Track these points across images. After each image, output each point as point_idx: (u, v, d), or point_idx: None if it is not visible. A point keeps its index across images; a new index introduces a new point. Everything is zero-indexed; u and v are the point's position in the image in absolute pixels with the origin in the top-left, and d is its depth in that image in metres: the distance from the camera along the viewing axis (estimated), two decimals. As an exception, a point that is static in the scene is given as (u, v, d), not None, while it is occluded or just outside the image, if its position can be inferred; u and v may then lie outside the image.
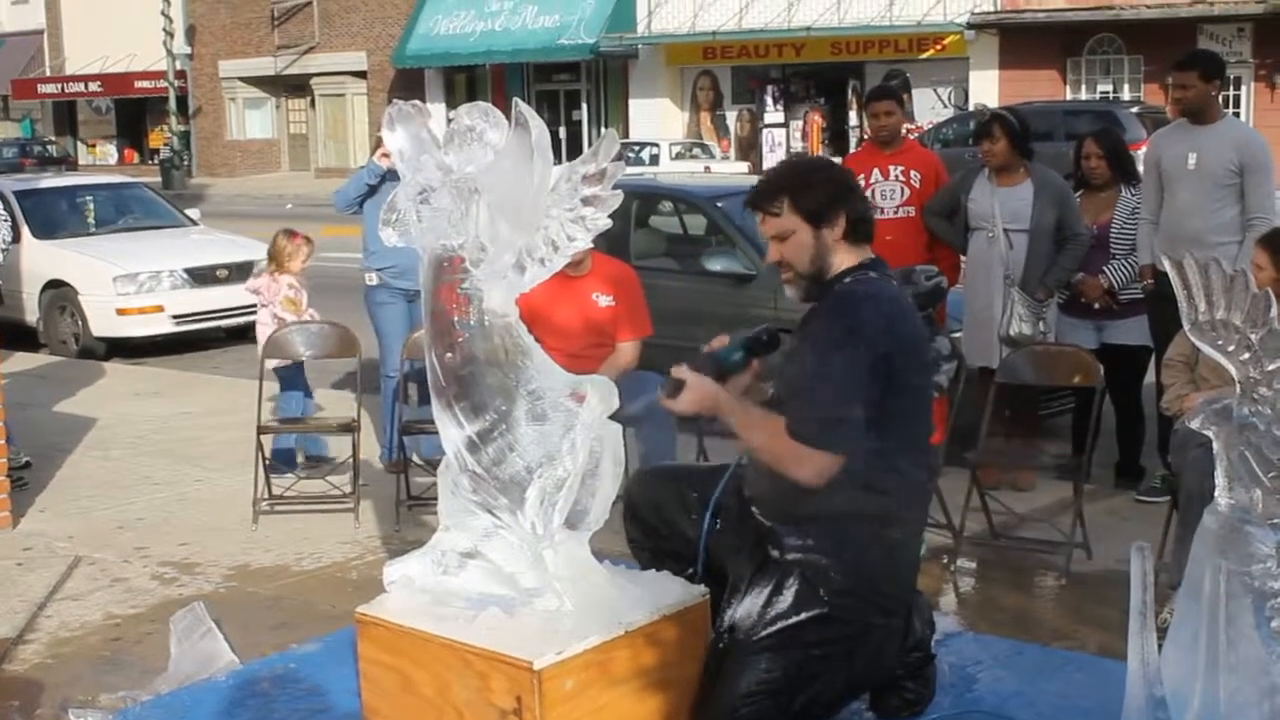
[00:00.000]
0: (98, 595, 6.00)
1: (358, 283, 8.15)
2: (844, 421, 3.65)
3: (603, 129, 32.96)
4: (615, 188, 3.73)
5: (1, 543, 6.72)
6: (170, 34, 41.24)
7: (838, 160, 6.76)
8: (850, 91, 33.06)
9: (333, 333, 7.49)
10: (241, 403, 9.03)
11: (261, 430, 7.23)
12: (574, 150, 31.71)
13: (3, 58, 49.95)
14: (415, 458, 7.25)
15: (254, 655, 4.99)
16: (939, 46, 31.17)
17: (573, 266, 6.17)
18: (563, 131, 35.49)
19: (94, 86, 47.47)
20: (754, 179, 5.10)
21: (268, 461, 7.27)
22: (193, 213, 15.73)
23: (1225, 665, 3.33)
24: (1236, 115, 24.49)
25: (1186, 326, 3.45)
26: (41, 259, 13.28)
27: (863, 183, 7.54)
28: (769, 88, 34.54)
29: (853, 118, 32.84)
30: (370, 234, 7.64)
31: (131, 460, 8.36)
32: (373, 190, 7.66)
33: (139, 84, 45.45)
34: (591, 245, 3.92)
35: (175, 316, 13.00)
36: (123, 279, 12.85)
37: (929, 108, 31.54)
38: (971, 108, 28.16)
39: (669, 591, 3.98)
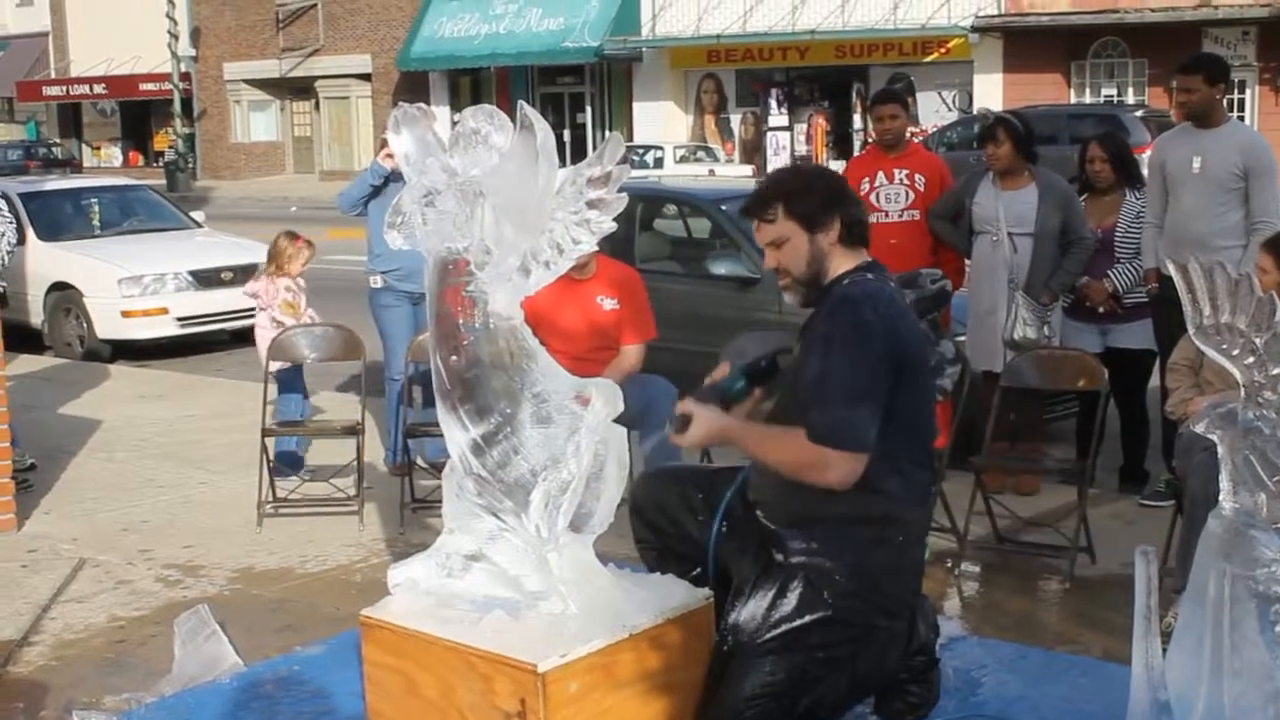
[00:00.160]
0: (102, 597, 6.00)
1: (362, 285, 8.16)
2: (862, 419, 3.67)
3: (607, 132, 32.97)
4: (620, 191, 3.74)
5: (6, 545, 6.73)
6: (175, 36, 41.28)
7: (841, 163, 6.77)
8: (854, 95, 33.06)
9: (337, 335, 7.50)
10: (245, 405, 9.05)
11: (266, 433, 7.24)
12: (578, 153, 31.75)
13: (8, 60, 50.04)
14: (420, 460, 7.25)
15: (258, 658, 5.00)
16: (943, 50, 31.16)
17: (577, 270, 6.17)
18: (567, 134, 35.51)
19: (99, 89, 47.53)
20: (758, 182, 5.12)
21: (272, 464, 7.27)
22: (197, 215, 15.75)
23: (1230, 670, 3.32)
24: (1241, 119, 24.52)
25: (1191, 330, 3.45)
26: (46, 261, 13.30)
27: (867, 186, 7.56)
28: (773, 91, 34.53)
29: (857, 121, 32.83)
30: (375, 237, 7.64)
31: (136, 462, 8.37)
32: (377, 191, 7.66)
33: (144, 86, 45.50)
34: (596, 248, 3.92)
35: (180, 319, 13.01)
36: (127, 281, 12.86)
37: (933, 111, 31.54)
38: (976, 111, 28.13)
39: (673, 594, 3.98)
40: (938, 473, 6.19)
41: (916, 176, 7.57)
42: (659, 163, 28.73)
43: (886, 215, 7.53)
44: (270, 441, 7.33)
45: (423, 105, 3.87)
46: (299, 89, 43.91)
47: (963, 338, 7.36)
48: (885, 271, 4.01)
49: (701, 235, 10.25)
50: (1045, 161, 7.50)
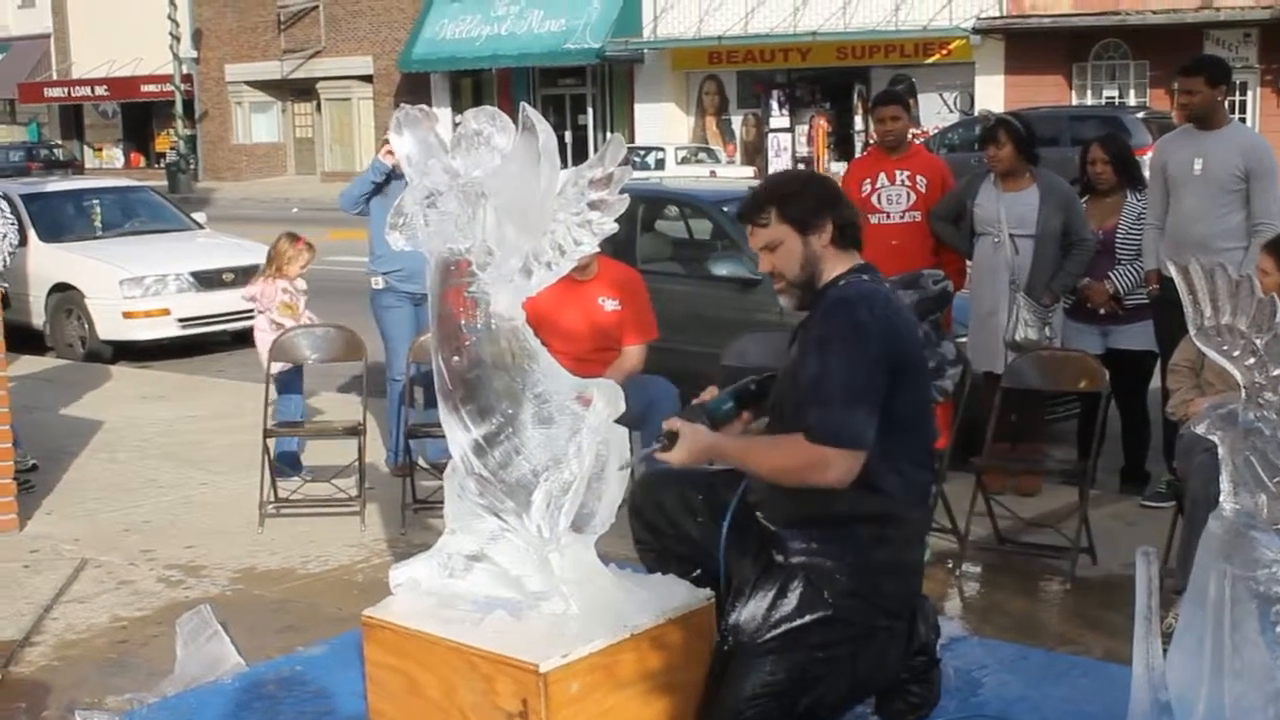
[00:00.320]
0: (104, 598, 6.01)
1: (364, 286, 8.16)
2: (861, 418, 3.70)
3: (608, 133, 32.96)
4: (621, 192, 3.75)
5: (8, 545, 6.73)
6: (177, 38, 41.28)
7: (843, 165, 6.80)
8: (856, 96, 33.06)
9: (339, 336, 7.50)
10: (246, 406, 9.06)
11: (267, 434, 7.24)
12: (580, 155, 31.77)
13: (9, 62, 50.05)
14: (421, 461, 7.26)
15: (260, 658, 5.01)
16: (945, 51, 31.16)
17: (579, 271, 6.16)
18: (568, 136, 35.54)
19: (100, 90, 47.54)
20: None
21: (273, 465, 7.28)
22: (199, 216, 15.76)
23: (1230, 670, 3.33)
24: (1243, 120, 24.52)
25: (1192, 331, 3.46)
26: (48, 262, 13.31)
27: (869, 188, 7.57)
28: (774, 92, 34.53)
29: (858, 122, 32.82)
30: (377, 238, 7.64)
31: (137, 463, 8.37)
32: (378, 189, 7.67)
33: (145, 88, 45.51)
34: (598, 249, 3.92)
35: (181, 320, 13.01)
36: (129, 282, 12.87)
37: (935, 113, 31.53)
38: (977, 113, 28.13)
39: (674, 595, 3.99)
40: (939, 474, 6.21)
41: (918, 178, 7.58)
42: (660, 164, 28.73)
43: (888, 216, 7.54)
44: (271, 442, 7.34)
45: (424, 107, 3.88)
46: (300, 90, 43.92)
47: (964, 339, 7.36)
48: (879, 273, 4.05)
49: (703, 236, 10.26)
50: (1047, 163, 7.51)
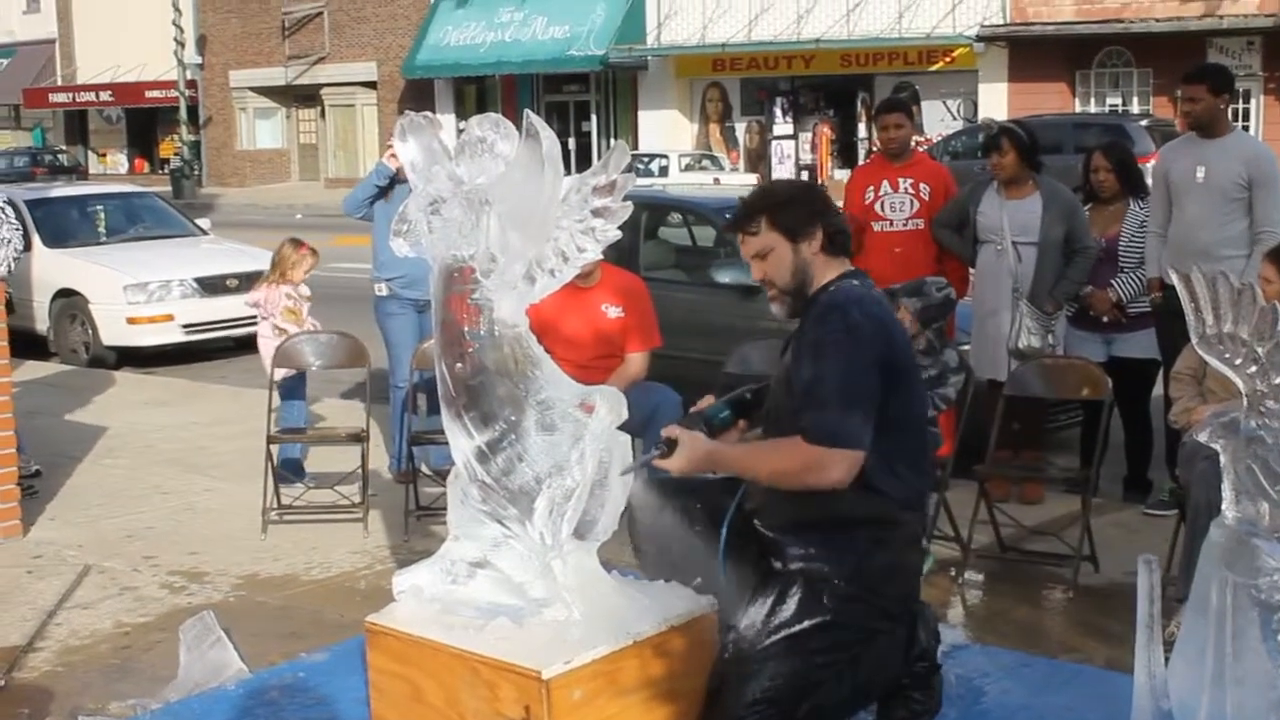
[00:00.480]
0: (107, 603, 6.01)
1: (367, 293, 8.17)
2: (858, 418, 3.73)
3: (612, 140, 32.86)
4: (624, 199, 3.76)
5: (12, 551, 6.74)
6: (181, 44, 41.37)
7: (846, 172, 6.82)
8: (859, 104, 33.06)
9: (342, 343, 7.51)
10: (249, 412, 9.07)
11: (271, 440, 7.25)
12: (583, 161, 31.76)
13: (14, 67, 50.12)
14: (424, 468, 7.26)
15: (263, 664, 5.01)
16: (948, 59, 31.17)
17: (582, 278, 6.18)
18: (572, 143, 35.54)
19: (105, 96, 47.60)
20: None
21: (276, 471, 7.28)
22: (203, 222, 15.75)
23: (1232, 678, 3.33)
24: (1246, 128, 24.52)
25: (1194, 339, 3.47)
26: (52, 268, 13.32)
27: (872, 195, 7.59)
28: (778, 99, 34.54)
29: (862, 130, 32.84)
30: (380, 244, 7.65)
31: (141, 469, 8.38)
32: (382, 193, 7.68)
33: (150, 94, 45.57)
34: (601, 256, 3.94)
35: (185, 326, 13.03)
36: (133, 288, 12.89)
37: (938, 120, 31.54)
38: (980, 120, 28.14)
39: (677, 602, 4.00)
40: (942, 481, 6.21)
41: (921, 185, 7.59)
42: (664, 171, 28.76)
43: (891, 224, 7.55)
44: (274, 448, 7.34)
45: (429, 113, 3.89)
46: (304, 96, 43.97)
47: (967, 346, 7.36)
48: (869, 278, 4.11)
49: (706, 243, 10.27)
50: (1050, 171, 7.52)
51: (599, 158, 3.77)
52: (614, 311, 6.70)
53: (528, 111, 3.68)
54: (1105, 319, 7.24)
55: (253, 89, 44.62)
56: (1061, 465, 7.55)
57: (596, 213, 3.73)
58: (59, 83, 49.10)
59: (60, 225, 14.08)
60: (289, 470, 7.71)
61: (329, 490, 7.34)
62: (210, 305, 13.11)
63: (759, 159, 34.54)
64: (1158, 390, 7.13)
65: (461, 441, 3.87)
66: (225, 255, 14.15)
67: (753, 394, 4.14)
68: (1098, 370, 6.56)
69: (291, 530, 7.00)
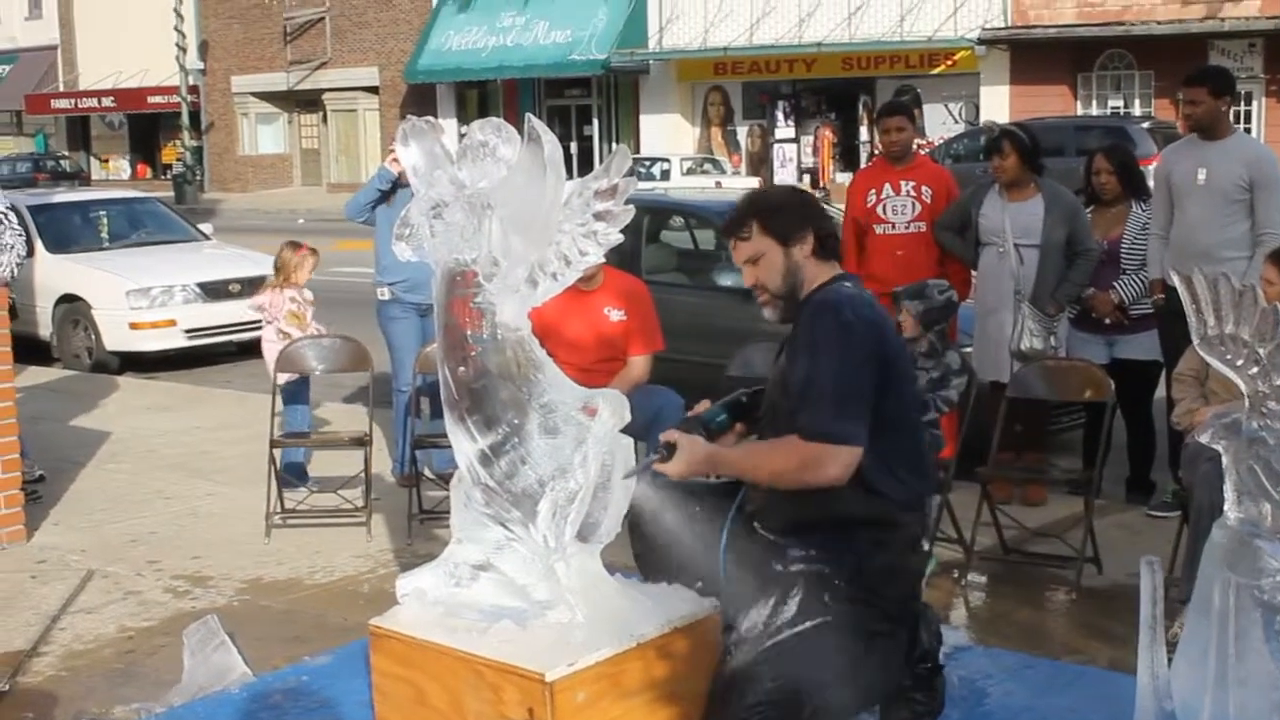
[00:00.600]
0: (111, 608, 6.02)
1: (370, 297, 8.17)
2: (853, 414, 3.75)
3: (614, 144, 33.06)
4: (626, 203, 3.76)
5: (15, 556, 6.75)
6: (183, 49, 41.42)
7: (848, 175, 6.85)
8: (861, 107, 33.07)
9: (345, 347, 7.52)
10: (252, 417, 9.07)
11: (274, 444, 7.26)
12: (585, 165, 31.79)
13: (17, 73, 50.16)
14: (427, 471, 7.27)
15: (266, 668, 5.02)
16: (950, 62, 31.18)
17: (584, 281, 6.19)
18: (574, 147, 35.55)
19: (107, 102, 47.63)
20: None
21: (280, 475, 7.29)
22: (205, 227, 15.78)
23: (1235, 679, 3.34)
24: (1247, 130, 24.51)
25: (1196, 341, 3.47)
26: (55, 273, 13.34)
27: (874, 198, 7.60)
28: (780, 103, 34.56)
29: (864, 133, 32.84)
30: (382, 249, 7.66)
31: (144, 474, 8.39)
32: (384, 197, 7.69)
33: (152, 99, 45.59)
34: (603, 260, 3.94)
35: (188, 331, 13.04)
36: (135, 293, 12.90)
37: (940, 123, 31.54)
38: (982, 123, 28.15)
39: (680, 604, 4.00)
40: (944, 483, 6.22)
41: (923, 188, 7.60)
42: (666, 175, 28.79)
43: (893, 227, 7.56)
44: (278, 453, 7.35)
45: (430, 118, 3.90)
46: (306, 102, 44.01)
47: (969, 349, 7.37)
48: (860, 281, 4.15)
49: (708, 247, 10.28)
50: (1052, 173, 7.53)
51: (601, 162, 3.78)
52: (616, 315, 6.71)
53: (529, 115, 3.69)
54: (1107, 321, 7.24)
55: (254, 94, 44.65)
56: (1064, 467, 7.55)
57: (598, 216, 3.74)
58: (61, 89, 49.15)
59: (63, 231, 14.10)
60: (292, 474, 7.71)
61: (332, 494, 7.35)
62: (213, 310, 13.12)
63: (761, 163, 34.55)
64: (1160, 392, 7.14)
65: (465, 445, 3.87)
66: (227, 260, 14.17)
67: (748, 397, 4.16)
68: (1100, 372, 6.56)
69: (295, 534, 7.01)
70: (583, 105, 37.76)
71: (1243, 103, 26.89)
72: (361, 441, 7.24)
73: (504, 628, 3.81)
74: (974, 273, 7.57)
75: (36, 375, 11.70)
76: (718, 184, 27.36)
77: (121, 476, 8.33)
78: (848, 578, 3.80)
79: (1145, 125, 23.90)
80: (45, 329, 13.36)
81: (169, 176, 42.69)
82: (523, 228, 3.69)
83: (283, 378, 7.66)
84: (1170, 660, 3.59)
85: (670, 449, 3.83)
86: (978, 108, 31.02)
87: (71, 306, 13.21)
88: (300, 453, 7.96)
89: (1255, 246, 6.65)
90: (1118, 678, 4.53)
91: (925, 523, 4.55)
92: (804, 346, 3.87)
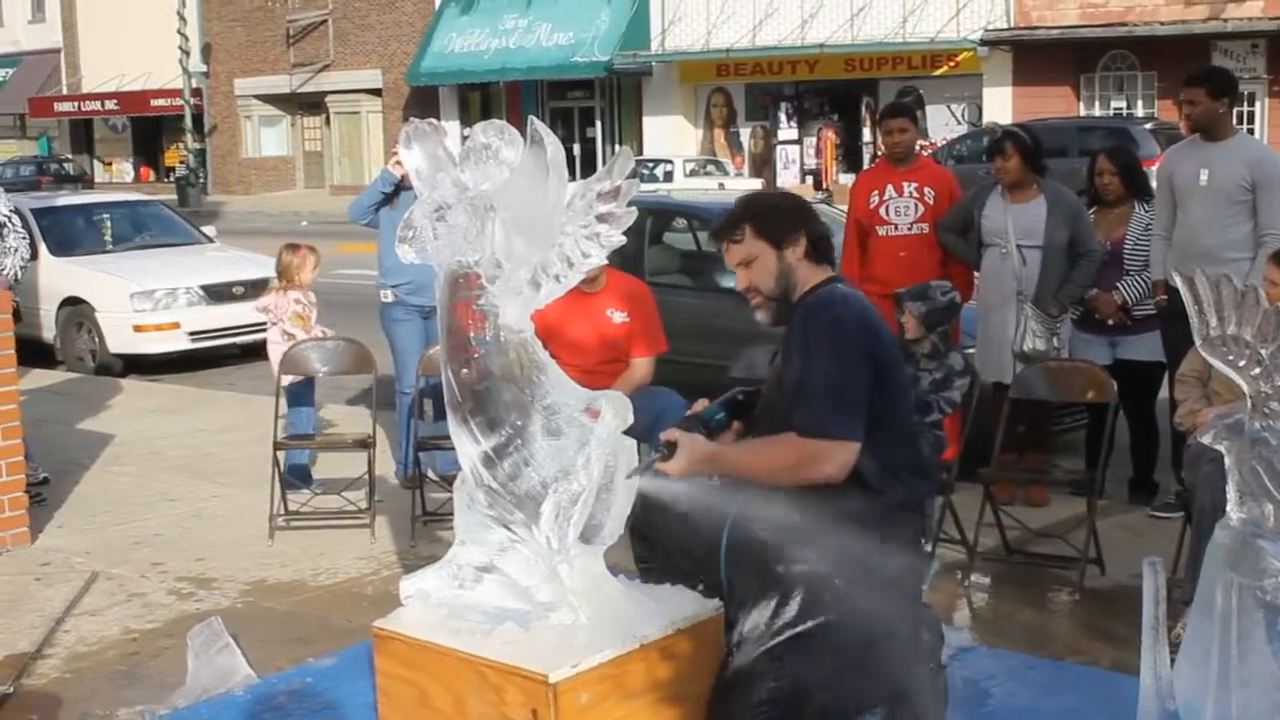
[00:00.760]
0: (115, 610, 6.03)
1: (373, 299, 8.18)
2: (849, 410, 3.78)
3: (617, 146, 33.01)
4: (629, 205, 3.77)
5: (20, 558, 6.76)
6: (186, 52, 41.46)
7: (851, 177, 6.86)
8: (864, 108, 33.08)
9: (348, 349, 7.52)
10: (256, 419, 9.07)
11: (278, 446, 7.27)
12: (588, 167, 31.79)
13: (20, 76, 50.22)
14: (430, 473, 7.28)
15: (270, 670, 5.02)
16: (952, 63, 31.18)
17: (587, 283, 6.19)
18: (577, 149, 35.55)
19: (110, 105, 47.69)
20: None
21: (283, 477, 7.30)
22: (209, 230, 15.80)
23: (1237, 679, 3.34)
24: (1251, 131, 24.50)
25: (1198, 342, 3.48)
26: (59, 276, 13.35)
27: (876, 199, 7.60)
28: (782, 104, 34.58)
29: (866, 134, 32.85)
30: (385, 251, 7.67)
31: (148, 476, 8.40)
32: (387, 200, 7.69)
33: (155, 102, 45.65)
34: (606, 261, 3.95)
35: (191, 333, 13.05)
36: (139, 296, 12.91)
37: (942, 124, 31.55)
38: (985, 124, 28.15)
39: (683, 605, 4.01)
40: (947, 484, 6.22)
41: (926, 190, 7.60)
42: (668, 176, 28.78)
43: (896, 228, 7.56)
44: (281, 455, 7.36)
45: (433, 120, 3.90)
46: (309, 104, 44.03)
47: (972, 350, 7.36)
48: (852, 285, 4.18)
49: (710, 249, 10.26)
50: (1055, 174, 7.52)
51: (604, 163, 3.79)
52: (619, 316, 6.71)
53: (532, 118, 3.70)
54: (1110, 322, 7.24)
55: (258, 97, 44.68)
56: (1067, 468, 7.56)
57: (601, 218, 3.75)
58: (64, 92, 49.20)
59: (66, 234, 14.11)
60: (296, 476, 7.72)
61: (336, 496, 7.36)
62: (216, 313, 13.13)
63: (763, 164, 34.56)
64: (1163, 393, 7.14)
65: (468, 447, 3.88)
66: (231, 263, 14.17)
67: (745, 395, 4.18)
68: (1103, 373, 6.57)
69: (299, 536, 7.02)
70: (585, 107, 37.78)
71: (1245, 103, 26.88)
72: (365, 443, 7.25)
73: (507, 629, 3.82)
74: (976, 274, 7.57)
75: (40, 378, 11.71)
76: (720, 186, 27.34)
77: (125, 479, 8.34)
78: (849, 578, 3.80)
79: (1148, 126, 23.90)
80: (49, 332, 13.36)
81: (172, 179, 42.72)
82: (525, 230, 3.70)
83: (287, 379, 7.67)
84: (1173, 661, 3.60)
85: (671, 447, 3.84)
86: (980, 109, 31.02)
87: (75, 309, 13.22)
88: (304, 455, 7.96)
89: (1258, 247, 6.65)
90: (1120, 678, 4.53)
91: (926, 523, 4.56)
92: (798, 347, 3.90)
